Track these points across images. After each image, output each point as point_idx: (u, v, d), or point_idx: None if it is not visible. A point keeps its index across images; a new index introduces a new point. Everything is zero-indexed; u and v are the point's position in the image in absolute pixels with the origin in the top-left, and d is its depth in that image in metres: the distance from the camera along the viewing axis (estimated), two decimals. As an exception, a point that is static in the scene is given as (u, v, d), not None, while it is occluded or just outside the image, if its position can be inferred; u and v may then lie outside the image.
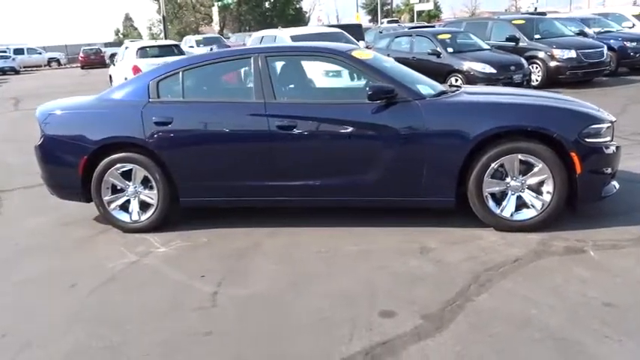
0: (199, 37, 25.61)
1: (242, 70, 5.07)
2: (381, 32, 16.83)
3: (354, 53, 4.50)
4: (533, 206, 4.12)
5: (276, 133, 4.24)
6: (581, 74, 12.29)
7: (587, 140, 4.01)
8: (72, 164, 4.61)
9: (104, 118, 4.63)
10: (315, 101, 4.54)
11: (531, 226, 4.12)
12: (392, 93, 4.10)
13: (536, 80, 12.41)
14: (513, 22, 13.42)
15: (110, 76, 16.26)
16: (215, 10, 40.05)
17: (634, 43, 13.77)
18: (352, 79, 6.87)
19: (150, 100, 4.52)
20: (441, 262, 3.72)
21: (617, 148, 4.20)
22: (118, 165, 4.53)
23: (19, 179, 6.87)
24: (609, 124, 4.19)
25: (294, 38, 10.89)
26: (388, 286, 3.43)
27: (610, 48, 13.19)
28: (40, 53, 42.34)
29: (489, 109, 4.18)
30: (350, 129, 4.22)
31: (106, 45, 48.58)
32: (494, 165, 4.06)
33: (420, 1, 39.18)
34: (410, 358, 2.64)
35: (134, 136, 4.46)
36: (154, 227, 4.60)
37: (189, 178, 4.47)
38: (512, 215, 4.15)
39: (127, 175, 4.59)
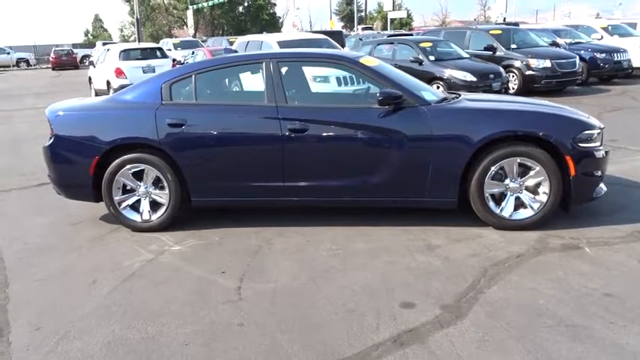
0: (177, 40, 25.55)
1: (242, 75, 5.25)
2: (361, 39, 17.14)
3: (362, 60, 4.72)
4: (530, 206, 4.39)
5: (288, 135, 4.41)
6: (555, 83, 12.81)
7: (581, 145, 4.31)
8: (83, 164, 4.68)
9: (117, 118, 4.72)
10: (325, 105, 4.74)
11: (529, 225, 4.40)
12: (400, 98, 4.33)
13: (513, 88, 12.87)
14: (491, 32, 13.90)
15: (90, 78, 16.12)
16: (190, 14, 39.91)
17: (603, 55, 14.41)
18: (346, 84, 7.11)
19: (162, 102, 4.64)
20: (449, 259, 3.95)
21: (606, 152, 4.51)
22: (130, 165, 4.63)
23: (13, 180, 6.87)
24: (599, 130, 4.49)
25: (281, 44, 11.06)
26: (403, 280, 3.64)
27: (581, 59, 13.76)
28: (8, 53, 41.40)
29: (492, 115, 4.44)
30: (359, 132, 4.43)
31: (74, 46, 47.74)
32: (494, 168, 4.32)
33: (393, 9, 39.78)
34: (436, 344, 2.84)
35: (147, 137, 4.57)
36: (164, 227, 4.72)
37: (202, 179, 4.60)
38: (511, 215, 4.42)
39: (137, 176, 4.69)
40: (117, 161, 4.62)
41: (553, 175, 4.28)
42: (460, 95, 4.86)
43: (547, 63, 12.71)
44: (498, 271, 3.69)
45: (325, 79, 7.40)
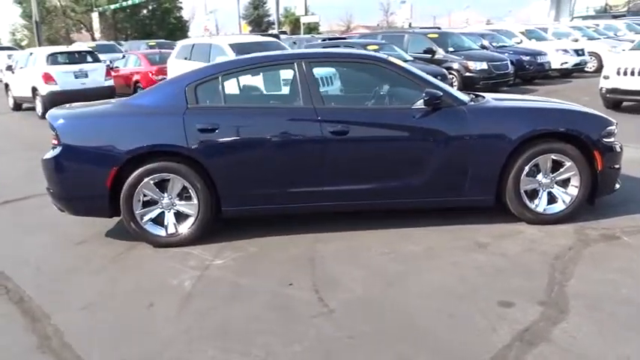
0: (92, 43, 24.02)
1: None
2: (295, 43, 17.07)
3: (393, 60, 4.66)
4: (562, 200, 4.54)
5: (330, 138, 4.25)
6: (491, 84, 13.46)
7: (605, 140, 4.52)
8: (99, 176, 4.25)
9: (137, 125, 4.32)
10: (365, 106, 4.63)
11: (561, 218, 4.54)
12: (440, 98, 4.31)
13: (453, 90, 13.35)
14: (429, 35, 14.36)
15: (7, 85, 14.73)
16: (95, 17, 37.80)
17: (528, 57, 15.38)
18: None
19: (188, 106, 4.30)
20: (506, 255, 3.98)
21: (621, 147, 4.77)
22: (154, 175, 4.25)
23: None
24: (615, 126, 4.74)
25: (233, 47, 10.72)
26: (479, 279, 3.61)
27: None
28: None
29: (528, 114, 4.56)
30: (400, 133, 4.37)
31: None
32: (530, 164, 4.43)
33: (306, 14, 40.09)
34: (563, 341, 2.83)
35: (175, 143, 4.23)
36: (192, 240, 4.37)
37: (235, 187, 4.32)
38: (545, 210, 4.54)
39: (159, 186, 4.32)
40: (139, 171, 4.22)
41: (583, 170, 4.45)
42: (485, 96, 4.91)
43: (484, 65, 13.35)
44: (564, 265, 3.77)
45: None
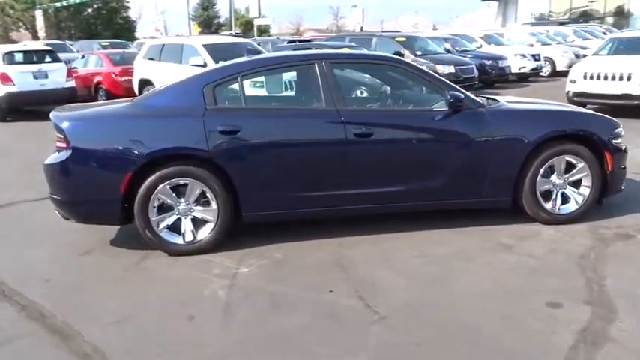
0: (41, 42, 22.95)
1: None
2: (259, 44, 16.82)
3: (411, 62, 4.63)
4: (575, 201, 4.63)
5: (353, 140, 4.18)
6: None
7: (614, 142, 4.65)
8: (112, 181, 4.01)
9: (154, 127, 4.10)
10: (387, 108, 4.57)
11: (573, 218, 4.63)
12: (462, 101, 4.32)
13: (422, 93, 13.54)
14: (396, 39, 14.51)
15: (-45, 85, 13.80)
16: (39, 15, 36.20)
17: (490, 61, 15.80)
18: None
19: (207, 107, 4.12)
20: (534, 256, 4.02)
21: (626, 148, 4.92)
22: (171, 180, 4.05)
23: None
24: (622, 128, 4.88)
25: (207, 47, 10.44)
26: (516, 280, 3.63)
27: (472, 65, 14.90)
28: None
29: (545, 116, 4.64)
30: (424, 135, 4.35)
31: None
32: (546, 166, 4.50)
33: (259, 16, 39.85)
34: (622, 340, 2.86)
35: (195, 146, 4.05)
36: (210, 248, 4.19)
37: (257, 191, 4.17)
38: (559, 210, 4.63)
39: (175, 191, 4.13)
40: (156, 176, 4.01)
41: (594, 171, 4.56)
42: (498, 99, 4.94)
43: (451, 69, 13.60)
44: (593, 264, 3.83)
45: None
